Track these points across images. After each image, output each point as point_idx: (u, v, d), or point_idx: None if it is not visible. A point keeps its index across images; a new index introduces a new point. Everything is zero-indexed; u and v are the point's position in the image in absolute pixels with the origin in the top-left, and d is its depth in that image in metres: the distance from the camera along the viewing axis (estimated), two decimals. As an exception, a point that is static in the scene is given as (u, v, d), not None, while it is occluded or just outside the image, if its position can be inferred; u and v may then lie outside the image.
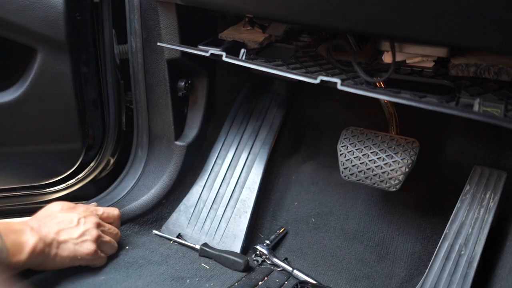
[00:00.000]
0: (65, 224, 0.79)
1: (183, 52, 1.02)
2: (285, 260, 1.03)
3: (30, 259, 0.71)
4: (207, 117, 1.21)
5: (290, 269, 0.99)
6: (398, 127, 1.16)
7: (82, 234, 0.80)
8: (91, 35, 1.06)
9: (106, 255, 0.87)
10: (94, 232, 0.82)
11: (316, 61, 1.00)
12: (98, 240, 0.83)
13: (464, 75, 0.86)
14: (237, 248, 1.03)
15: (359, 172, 1.01)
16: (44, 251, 0.73)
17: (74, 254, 0.79)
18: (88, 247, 0.80)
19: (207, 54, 0.93)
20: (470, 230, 0.88)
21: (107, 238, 0.86)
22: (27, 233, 0.72)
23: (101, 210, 0.89)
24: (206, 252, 0.99)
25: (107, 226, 0.88)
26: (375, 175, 0.99)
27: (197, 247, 1.01)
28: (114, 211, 0.92)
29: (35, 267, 0.75)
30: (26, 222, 0.75)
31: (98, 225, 0.84)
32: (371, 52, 1.02)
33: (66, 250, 0.78)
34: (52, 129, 1.05)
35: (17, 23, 0.93)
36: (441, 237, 0.89)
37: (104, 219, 0.89)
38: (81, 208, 0.86)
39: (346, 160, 1.02)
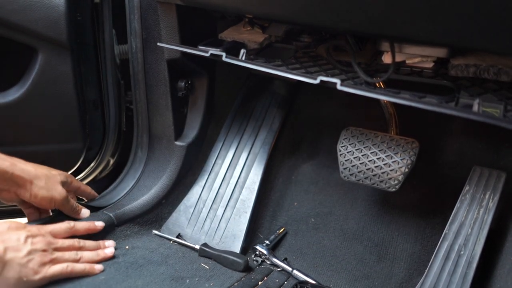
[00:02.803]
0: (12, 242, 0.72)
1: (183, 53, 1.02)
2: (284, 260, 1.03)
3: None
4: (207, 117, 1.22)
5: (290, 269, 0.99)
6: (397, 128, 1.16)
7: (29, 253, 0.73)
8: (92, 36, 1.07)
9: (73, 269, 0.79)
10: (41, 254, 0.74)
11: (316, 62, 1.00)
12: (46, 261, 0.75)
13: (464, 75, 0.86)
14: (236, 248, 1.03)
15: (358, 172, 1.01)
16: None
17: (19, 275, 0.71)
18: (33, 267, 0.73)
19: (207, 55, 0.93)
20: (470, 230, 0.88)
21: (63, 256, 0.79)
22: None
23: (50, 227, 0.82)
24: (205, 252, 0.99)
25: (61, 241, 0.80)
26: (374, 175, 0.99)
27: (197, 247, 1.01)
28: (62, 225, 0.84)
29: None
30: None
31: (49, 244, 0.77)
32: (371, 53, 1.02)
33: (11, 270, 0.70)
34: (52, 130, 1.05)
35: (18, 23, 0.93)
36: (440, 237, 0.89)
37: (56, 234, 0.82)
38: (32, 227, 0.78)
39: (345, 160, 1.02)
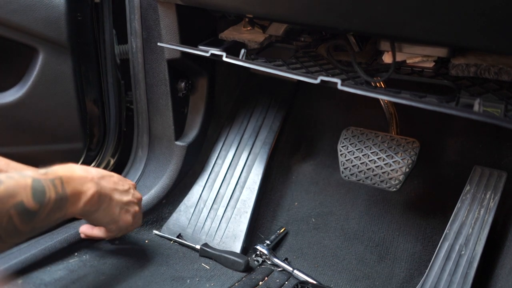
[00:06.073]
0: (119, 186, 0.83)
1: (183, 52, 1.02)
2: (285, 260, 1.03)
3: (84, 208, 0.73)
4: (207, 117, 1.21)
5: (291, 269, 0.99)
6: (398, 127, 1.16)
7: (128, 203, 0.84)
8: (92, 35, 1.07)
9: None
10: (136, 208, 0.87)
11: (316, 61, 1.00)
12: (135, 215, 0.87)
13: (465, 75, 0.86)
14: (237, 248, 1.03)
15: (359, 172, 1.01)
16: (98, 203, 0.76)
17: (116, 218, 0.82)
18: (128, 218, 0.85)
19: (207, 54, 0.93)
20: (471, 230, 0.88)
21: (139, 217, 0.90)
22: (88, 182, 0.73)
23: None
24: (206, 252, 0.99)
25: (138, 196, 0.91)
26: (375, 175, 0.99)
27: (198, 247, 1.01)
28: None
29: (80, 216, 0.77)
30: (88, 170, 0.76)
31: (140, 201, 0.89)
32: (371, 52, 1.02)
33: (112, 210, 0.81)
34: (53, 130, 1.05)
35: (18, 23, 0.93)
36: (441, 237, 0.89)
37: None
38: (129, 180, 0.89)
39: (346, 160, 1.02)
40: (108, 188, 0.79)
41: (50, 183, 0.65)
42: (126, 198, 0.84)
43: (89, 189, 0.73)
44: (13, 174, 0.62)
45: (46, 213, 0.64)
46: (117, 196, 0.81)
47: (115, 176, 0.84)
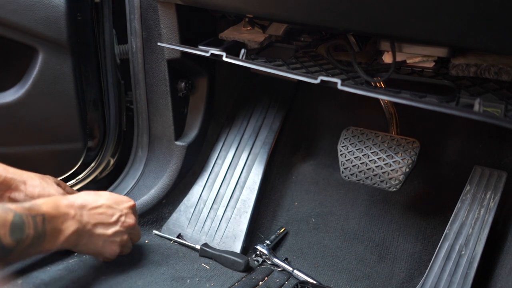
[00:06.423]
0: (105, 218, 0.80)
1: (183, 52, 1.02)
2: (285, 260, 1.03)
3: (62, 246, 0.73)
4: (207, 117, 1.21)
5: (291, 269, 0.99)
6: (398, 127, 1.16)
7: (113, 235, 0.81)
8: (92, 35, 1.07)
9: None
10: (125, 237, 0.84)
11: (316, 61, 1.00)
12: (124, 244, 0.85)
13: (465, 75, 0.86)
14: (237, 248, 1.03)
15: (359, 172, 1.01)
16: (76, 239, 0.75)
17: (100, 250, 0.81)
18: (114, 249, 0.83)
19: (207, 54, 0.93)
20: (471, 230, 0.88)
21: (130, 242, 0.88)
22: (69, 220, 0.73)
23: (132, 203, 0.88)
24: (206, 252, 0.99)
25: (137, 228, 0.88)
26: (375, 175, 0.99)
27: (197, 247, 1.01)
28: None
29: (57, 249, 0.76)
30: (73, 204, 0.74)
31: (131, 228, 0.85)
32: (371, 52, 1.02)
33: (94, 244, 0.79)
34: (53, 130, 1.05)
35: (18, 23, 0.93)
36: (441, 237, 0.89)
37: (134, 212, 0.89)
38: (125, 204, 0.85)
39: (346, 160, 1.02)
40: (90, 224, 0.77)
41: (31, 219, 0.65)
42: (112, 230, 0.80)
43: (68, 228, 0.72)
44: None
45: (21, 250, 0.64)
46: (100, 231, 0.79)
47: (104, 205, 0.80)
